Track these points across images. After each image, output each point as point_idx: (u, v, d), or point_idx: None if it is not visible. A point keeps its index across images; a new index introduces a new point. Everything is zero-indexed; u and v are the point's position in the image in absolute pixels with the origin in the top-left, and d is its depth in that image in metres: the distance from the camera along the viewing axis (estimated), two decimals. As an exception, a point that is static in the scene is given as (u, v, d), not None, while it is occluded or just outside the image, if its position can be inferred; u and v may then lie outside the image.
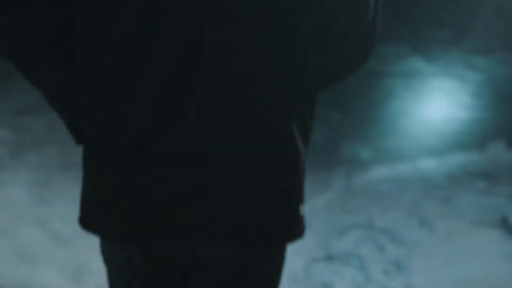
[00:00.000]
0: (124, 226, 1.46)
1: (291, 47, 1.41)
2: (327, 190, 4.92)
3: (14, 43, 1.57)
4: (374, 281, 4.21)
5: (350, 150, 5.76)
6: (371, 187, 5.06)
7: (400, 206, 4.77)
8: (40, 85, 1.69)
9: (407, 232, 4.48)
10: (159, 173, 1.42)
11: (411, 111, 7.03)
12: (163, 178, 1.42)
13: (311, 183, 5.02)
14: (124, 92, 1.44)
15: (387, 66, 9.53)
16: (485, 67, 9.66)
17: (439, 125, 6.52)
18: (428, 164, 5.44)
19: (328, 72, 1.54)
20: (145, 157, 1.43)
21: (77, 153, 4.76)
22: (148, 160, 1.43)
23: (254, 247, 1.51)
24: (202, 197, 1.41)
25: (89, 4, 1.42)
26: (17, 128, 5.00)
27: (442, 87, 8.38)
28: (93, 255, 3.65)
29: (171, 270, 1.52)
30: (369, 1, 1.52)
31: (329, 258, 4.29)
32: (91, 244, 3.82)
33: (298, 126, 1.53)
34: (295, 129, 1.52)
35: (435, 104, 7.36)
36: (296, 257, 4.01)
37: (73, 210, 4.17)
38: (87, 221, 1.60)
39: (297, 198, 1.62)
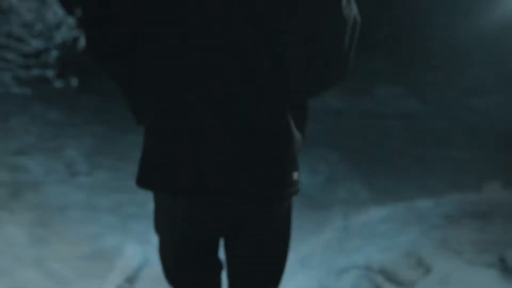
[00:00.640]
0: (183, 184, 2.03)
1: (287, 72, 2.01)
2: (325, 230, 4.91)
3: (100, 51, 2.14)
4: (372, 321, 4.20)
5: (347, 190, 5.77)
6: (368, 227, 5.06)
7: (397, 247, 4.76)
8: (116, 82, 2.28)
9: (405, 272, 4.46)
10: (207, 149, 2.00)
11: (408, 152, 7.06)
12: (211, 159, 2.00)
13: (308, 222, 5.03)
14: (164, 89, 2.02)
15: (384, 107, 9.61)
16: (481, 108, 9.74)
17: (435, 165, 6.54)
18: (425, 204, 5.45)
19: (312, 88, 2.14)
20: (193, 133, 2.00)
21: (74, 193, 4.78)
22: (195, 135, 2.00)
23: (269, 201, 2.13)
24: (238, 170, 2.01)
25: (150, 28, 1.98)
26: (15, 168, 5.02)
27: (438, 127, 8.44)
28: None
29: (213, 219, 2.10)
30: (344, 39, 2.07)
31: (327, 298, 4.29)
32: (88, 284, 3.83)
33: (292, 121, 2.08)
34: (291, 122, 2.07)
35: (431, 145, 7.40)
36: (294, 297, 4.01)
37: (70, 250, 4.18)
38: (146, 181, 2.20)
39: (293, 168, 2.16)
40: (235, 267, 2.25)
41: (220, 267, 2.30)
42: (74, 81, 5.54)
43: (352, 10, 2.06)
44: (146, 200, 5.04)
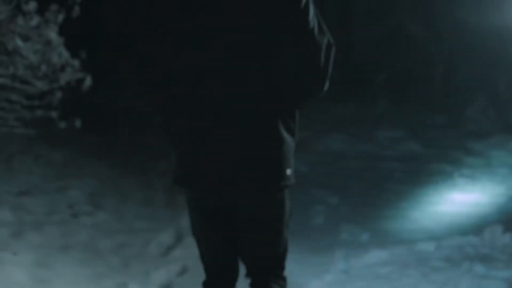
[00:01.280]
0: (201, 182, 2.63)
1: (277, 85, 2.54)
2: (326, 273, 4.90)
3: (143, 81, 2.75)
4: None
5: (348, 232, 5.76)
6: (370, 270, 5.04)
7: (399, 289, 4.76)
8: (154, 107, 2.79)
9: (406, 315, 4.46)
10: (215, 156, 2.55)
11: (409, 194, 7.07)
12: (217, 158, 2.55)
13: (310, 265, 5.03)
14: (183, 101, 2.59)
15: (385, 150, 9.64)
16: (481, 151, 9.76)
17: (436, 208, 6.54)
18: (426, 247, 5.43)
19: (298, 98, 2.61)
20: (206, 144, 2.56)
21: (76, 234, 4.80)
22: (208, 147, 2.56)
23: (267, 191, 2.62)
24: (243, 167, 2.55)
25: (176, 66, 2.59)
26: (18, 208, 5.05)
27: (439, 170, 8.46)
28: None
29: (222, 207, 2.66)
30: (320, 59, 2.55)
31: None
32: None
33: (282, 124, 2.56)
34: (281, 126, 2.56)
35: (432, 188, 7.41)
36: None
37: (72, 290, 4.18)
38: (179, 181, 2.72)
39: (286, 165, 2.60)
40: (244, 248, 2.74)
41: (236, 251, 2.77)
42: (78, 122, 5.58)
43: (324, 37, 2.58)
44: (148, 241, 5.07)
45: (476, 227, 5.73)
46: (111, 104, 11.70)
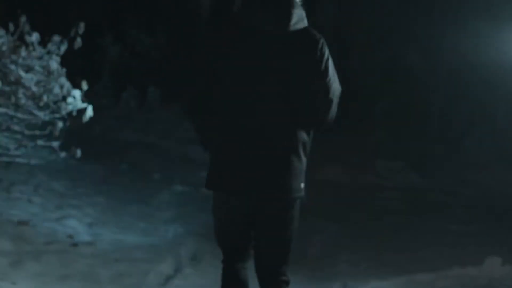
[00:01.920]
0: (231, 187, 3.20)
1: (296, 113, 3.16)
2: (325, 303, 4.91)
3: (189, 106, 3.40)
4: None
5: (347, 262, 5.77)
6: (368, 301, 5.06)
7: (398, 320, 4.76)
8: (200, 134, 3.34)
9: None
10: (247, 168, 3.14)
11: (408, 225, 7.09)
12: (248, 170, 3.14)
13: (308, 294, 5.03)
14: (224, 126, 3.20)
15: (383, 181, 9.68)
16: (478, 182, 9.80)
17: (435, 239, 6.56)
18: (425, 278, 5.44)
19: (311, 123, 3.24)
20: (240, 159, 3.15)
21: (75, 263, 4.80)
22: (242, 161, 3.15)
23: (285, 199, 3.20)
24: (266, 179, 3.14)
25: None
26: (17, 237, 5.06)
27: (437, 201, 8.48)
28: None
29: (249, 210, 3.22)
30: (330, 107, 3.21)
31: None
32: None
33: (300, 144, 3.19)
34: (299, 145, 3.19)
35: (431, 218, 7.43)
36: None
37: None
38: (212, 185, 3.28)
39: (301, 180, 3.20)
40: (259, 246, 3.29)
41: (250, 239, 3.33)
42: (78, 152, 5.61)
43: (335, 94, 3.24)
44: (147, 271, 5.07)
45: (475, 258, 5.73)
46: (111, 134, 11.76)
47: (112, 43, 14.60)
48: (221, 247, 3.45)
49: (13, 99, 5.32)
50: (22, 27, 5.20)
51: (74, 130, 5.66)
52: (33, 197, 6.44)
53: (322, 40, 3.22)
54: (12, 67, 5.12)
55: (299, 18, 3.19)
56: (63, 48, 5.34)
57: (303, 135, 3.21)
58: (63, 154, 5.67)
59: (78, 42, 5.28)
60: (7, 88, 5.33)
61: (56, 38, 5.37)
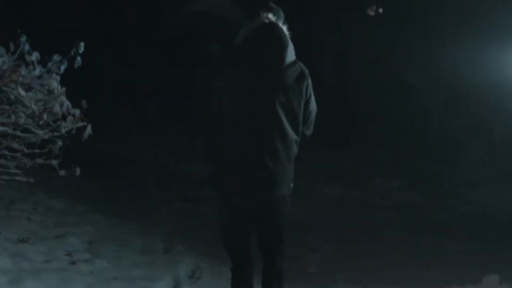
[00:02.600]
0: (237, 188, 3.84)
1: (299, 124, 3.91)
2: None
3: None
4: None
5: (345, 281, 5.78)
6: (366, 319, 5.06)
7: None
8: (208, 146, 4.05)
9: None
10: (250, 173, 3.80)
11: (406, 243, 7.10)
12: (251, 174, 3.80)
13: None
14: (232, 139, 3.82)
15: (381, 198, 9.69)
16: (476, 199, 9.82)
17: (433, 257, 6.56)
18: (424, 296, 5.45)
19: (305, 131, 3.98)
20: (249, 163, 3.80)
21: (74, 281, 4.81)
22: (250, 165, 3.81)
23: (280, 197, 3.87)
24: (272, 178, 3.80)
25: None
26: (17, 255, 5.06)
27: (436, 219, 8.49)
28: None
29: (251, 208, 3.86)
30: (315, 110, 4.03)
31: None
32: None
33: (292, 152, 3.88)
34: (292, 153, 3.88)
35: (429, 236, 7.44)
36: None
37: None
38: (214, 185, 3.92)
39: (291, 180, 3.91)
40: (261, 235, 3.97)
41: (251, 235, 3.94)
42: (77, 170, 5.64)
43: (313, 113, 4.03)
44: (146, 289, 5.09)
45: (473, 276, 5.74)
46: (111, 152, 11.79)
47: (111, 60, 14.68)
48: (228, 251, 4.00)
49: (13, 117, 5.34)
50: (22, 47, 5.25)
51: (74, 148, 5.68)
52: (32, 215, 6.46)
53: (307, 72, 3.96)
54: (12, 86, 5.15)
55: (291, 54, 3.89)
56: (63, 67, 5.38)
57: (294, 145, 3.91)
58: (62, 172, 5.68)
59: (78, 61, 5.32)
60: (7, 107, 5.35)
61: (56, 57, 5.40)
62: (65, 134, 5.49)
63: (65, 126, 5.41)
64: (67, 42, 5.53)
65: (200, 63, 14.65)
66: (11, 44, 5.29)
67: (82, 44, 5.32)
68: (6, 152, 5.65)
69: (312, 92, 3.98)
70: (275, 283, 3.98)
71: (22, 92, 5.19)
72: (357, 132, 13.20)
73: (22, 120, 5.32)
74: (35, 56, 5.29)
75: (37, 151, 5.68)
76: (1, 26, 5.30)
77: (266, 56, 3.84)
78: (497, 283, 5.65)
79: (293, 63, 3.90)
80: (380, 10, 14.50)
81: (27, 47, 5.25)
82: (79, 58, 5.33)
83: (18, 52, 5.25)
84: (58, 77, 5.38)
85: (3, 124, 5.33)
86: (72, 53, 5.31)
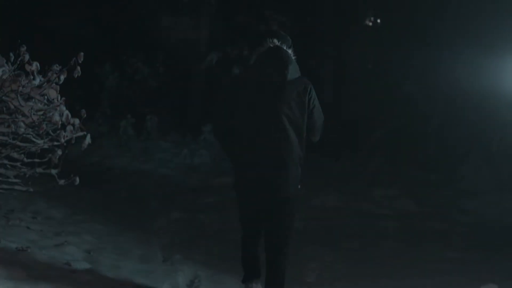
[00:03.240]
0: (250, 188, 4.60)
1: (302, 132, 4.59)
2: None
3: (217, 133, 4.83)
4: None
5: (343, 290, 5.78)
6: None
7: None
8: (225, 148, 4.75)
9: None
10: (262, 173, 4.53)
11: (404, 252, 7.10)
12: (263, 175, 4.52)
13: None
14: (248, 146, 4.56)
15: (380, 208, 9.69)
16: (475, 209, 9.82)
17: (432, 266, 6.56)
18: (422, 305, 5.44)
19: (311, 138, 4.71)
20: (256, 166, 4.52)
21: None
22: (257, 168, 4.53)
23: (287, 194, 4.56)
24: (280, 180, 4.52)
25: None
26: (16, 264, 5.07)
27: (434, 228, 8.49)
28: None
29: (267, 204, 4.60)
30: (321, 119, 4.70)
31: None
32: None
33: (298, 157, 4.55)
34: (298, 158, 4.55)
35: (427, 245, 7.44)
36: None
37: None
38: (239, 187, 4.64)
39: (298, 182, 4.58)
40: (268, 232, 4.64)
41: (261, 226, 4.71)
42: (76, 180, 5.66)
43: (318, 122, 4.67)
44: (145, 298, 5.10)
45: (472, 285, 5.74)
46: (110, 162, 11.81)
47: (111, 71, 14.71)
48: (242, 228, 4.80)
49: (12, 127, 5.37)
50: (22, 57, 5.27)
51: (73, 157, 5.70)
52: (31, 224, 6.47)
53: (310, 86, 4.59)
54: (12, 95, 5.18)
55: (293, 71, 4.56)
56: (63, 77, 5.40)
57: (300, 151, 4.56)
58: (62, 182, 5.70)
59: (78, 71, 5.34)
60: (7, 117, 5.38)
61: (56, 67, 5.43)
62: (65, 144, 5.51)
63: (65, 136, 5.43)
64: (67, 52, 5.56)
65: (199, 75, 14.72)
66: (11, 54, 5.32)
67: (81, 54, 5.35)
68: (5, 161, 5.68)
69: (316, 103, 4.61)
70: (273, 278, 4.56)
71: (22, 102, 5.22)
72: (355, 141, 13.23)
73: (22, 130, 5.35)
74: (35, 66, 5.32)
75: (36, 160, 5.71)
76: (2, 36, 5.32)
77: (271, 74, 4.50)
78: (495, 292, 5.66)
79: (296, 79, 4.56)
80: (378, 21, 14.59)
81: (27, 57, 5.28)
82: (78, 68, 5.36)
83: (18, 62, 5.28)
84: (58, 87, 5.41)
85: (3, 134, 5.35)
86: (72, 63, 5.34)
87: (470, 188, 10.93)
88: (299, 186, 4.58)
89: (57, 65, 5.44)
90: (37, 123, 5.29)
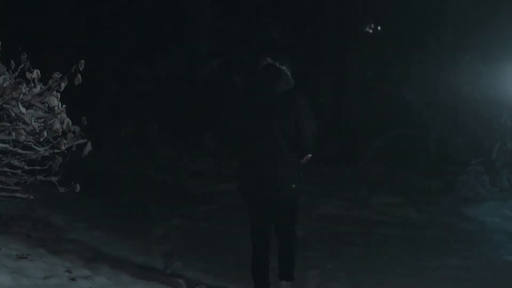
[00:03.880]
0: (254, 191, 5.19)
1: (292, 140, 5.09)
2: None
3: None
4: None
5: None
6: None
7: None
8: (235, 153, 5.57)
9: None
10: (261, 177, 5.12)
11: (405, 259, 7.09)
12: (266, 178, 5.11)
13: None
14: (248, 151, 5.21)
15: (380, 215, 9.69)
16: (475, 216, 9.82)
17: (433, 274, 6.56)
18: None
19: (305, 145, 5.16)
20: (256, 171, 5.13)
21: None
22: (258, 174, 5.13)
23: (287, 194, 5.16)
24: (273, 182, 5.09)
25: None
26: (16, 272, 5.06)
27: (435, 235, 8.49)
28: None
29: (268, 204, 5.19)
30: (311, 128, 5.16)
31: None
32: None
33: (297, 163, 5.16)
34: (297, 161, 5.15)
35: (428, 253, 7.44)
36: None
37: None
38: (244, 190, 5.22)
39: (297, 182, 5.15)
40: (276, 225, 5.21)
41: (271, 223, 5.23)
42: (77, 187, 5.66)
43: (308, 130, 5.11)
44: (145, 306, 5.10)
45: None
46: (110, 169, 11.81)
47: (112, 78, 14.73)
48: (252, 237, 5.22)
49: (13, 134, 5.37)
50: (23, 64, 5.28)
51: (74, 165, 5.70)
52: (32, 232, 6.47)
53: (298, 97, 5.13)
54: (13, 103, 5.18)
55: (285, 83, 5.17)
56: (63, 84, 5.41)
57: (290, 156, 5.09)
58: (62, 189, 5.70)
59: (78, 78, 5.35)
60: (7, 124, 5.38)
61: (57, 74, 5.44)
62: (65, 151, 5.52)
63: (65, 143, 5.43)
64: (68, 58, 5.57)
65: (199, 81, 14.72)
66: (12, 61, 5.33)
67: (82, 61, 5.36)
68: (6, 169, 5.68)
69: (304, 114, 5.11)
70: (284, 263, 5.20)
71: (23, 110, 5.22)
72: (356, 150, 13.23)
73: (22, 137, 5.35)
74: (35, 73, 5.32)
75: (37, 168, 5.71)
76: (2, 44, 5.33)
77: (264, 88, 5.17)
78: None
79: (288, 91, 5.16)
80: (379, 28, 14.60)
81: (27, 64, 5.28)
82: (79, 76, 5.36)
83: (19, 69, 5.29)
84: (59, 95, 5.41)
85: (3, 141, 5.36)
86: (73, 70, 5.35)
87: (470, 195, 10.94)
88: (293, 186, 5.10)
89: (58, 72, 5.44)
90: (38, 131, 5.29)
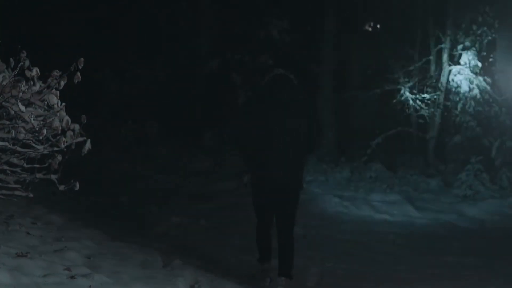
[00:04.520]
0: (263, 183, 5.64)
1: (299, 141, 5.63)
2: None
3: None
4: None
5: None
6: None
7: None
8: (244, 156, 5.87)
9: None
10: (271, 172, 5.59)
11: (405, 258, 7.10)
12: (272, 174, 5.58)
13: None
14: (258, 150, 5.66)
15: (380, 214, 9.71)
16: (474, 215, 9.83)
17: (432, 272, 6.57)
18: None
19: (309, 148, 5.75)
20: (266, 169, 5.59)
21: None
22: (267, 170, 5.61)
23: (293, 188, 5.66)
24: (282, 177, 5.58)
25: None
26: (15, 270, 5.06)
27: (434, 234, 8.51)
28: None
29: (273, 199, 5.64)
30: (318, 132, 6.22)
31: None
32: None
33: (302, 157, 5.71)
34: (303, 158, 5.72)
35: (428, 251, 7.45)
36: None
37: None
38: (253, 183, 5.74)
39: (302, 178, 5.71)
40: (277, 217, 5.62)
41: (273, 214, 5.68)
42: (77, 185, 5.66)
43: (315, 130, 5.72)
44: (145, 303, 5.09)
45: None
46: (110, 167, 11.81)
47: (112, 77, 14.73)
48: (257, 217, 5.75)
49: (12, 133, 5.36)
50: (22, 62, 5.28)
51: (73, 163, 5.70)
52: (31, 230, 6.46)
53: (308, 104, 5.73)
54: (12, 101, 5.18)
55: (291, 92, 5.61)
56: (63, 82, 5.40)
57: (299, 156, 5.57)
58: (62, 187, 5.70)
59: (78, 76, 5.35)
60: (6, 122, 5.38)
61: (56, 72, 5.43)
62: (65, 149, 5.51)
63: (65, 141, 5.42)
64: (67, 57, 5.57)
65: (199, 81, 14.74)
66: (11, 59, 5.33)
67: (82, 60, 5.35)
68: (5, 167, 5.67)
69: (314, 118, 5.71)
70: (282, 262, 5.50)
71: (22, 108, 5.22)
72: (354, 148, 13.24)
73: (21, 135, 5.34)
74: (35, 71, 5.32)
75: (36, 166, 5.70)
76: (2, 44, 5.33)
77: (276, 95, 5.61)
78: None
79: (297, 98, 5.64)
80: (378, 26, 14.62)
81: (27, 62, 5.28)
82: (79, 74, 5.36)
83: (18, 67, 5.28)
84: (58, 93, 5.41)
85: (2, 139, 5.35)
86: (72, 68, 5.35)
87: (469, 193, 10.95)
88: (304, 185, 5.71)
89: (57, 70, 5.44)
90: (37, 129, 5.29)
